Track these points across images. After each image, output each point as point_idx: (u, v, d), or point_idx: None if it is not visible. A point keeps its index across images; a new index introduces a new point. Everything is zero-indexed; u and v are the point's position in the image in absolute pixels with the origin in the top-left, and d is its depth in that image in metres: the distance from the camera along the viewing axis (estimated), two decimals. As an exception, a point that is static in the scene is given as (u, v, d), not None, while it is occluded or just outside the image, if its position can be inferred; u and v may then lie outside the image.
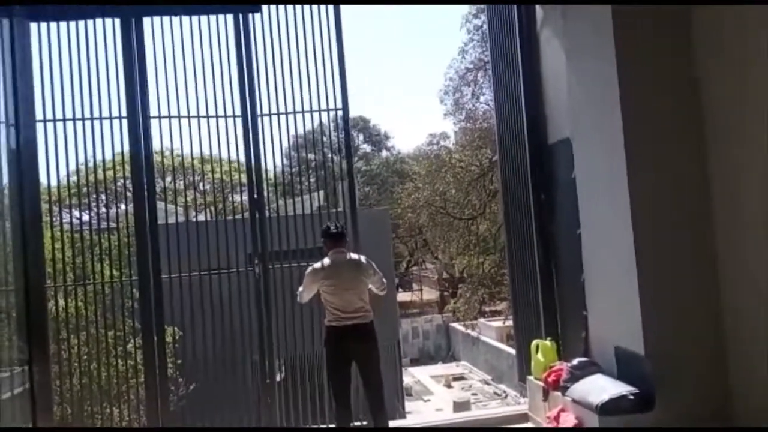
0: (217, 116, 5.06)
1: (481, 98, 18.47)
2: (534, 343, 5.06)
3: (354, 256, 4.41)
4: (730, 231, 3.88)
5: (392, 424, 5.43)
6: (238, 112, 5.06)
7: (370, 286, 4.34)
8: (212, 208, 5.70)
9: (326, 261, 4.29)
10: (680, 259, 3.99)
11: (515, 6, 5.38)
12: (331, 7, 5.18)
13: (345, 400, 4.28)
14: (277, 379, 5.33)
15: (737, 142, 3.77)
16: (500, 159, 6.03)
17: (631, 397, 3.79)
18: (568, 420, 4.11)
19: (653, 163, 4.00)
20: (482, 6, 5.78)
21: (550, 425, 4.25)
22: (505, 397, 15.82)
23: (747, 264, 3.75)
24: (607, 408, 3.77)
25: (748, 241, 3.73)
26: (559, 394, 4.36)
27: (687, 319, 3.94)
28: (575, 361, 4.44)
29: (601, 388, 3.96)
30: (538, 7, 5.25)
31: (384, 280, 4.41)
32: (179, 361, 6.45)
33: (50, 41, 4.82)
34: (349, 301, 4.19)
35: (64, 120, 4.83)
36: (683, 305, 3.95)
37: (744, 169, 3.73)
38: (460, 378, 20.43)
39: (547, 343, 4.99)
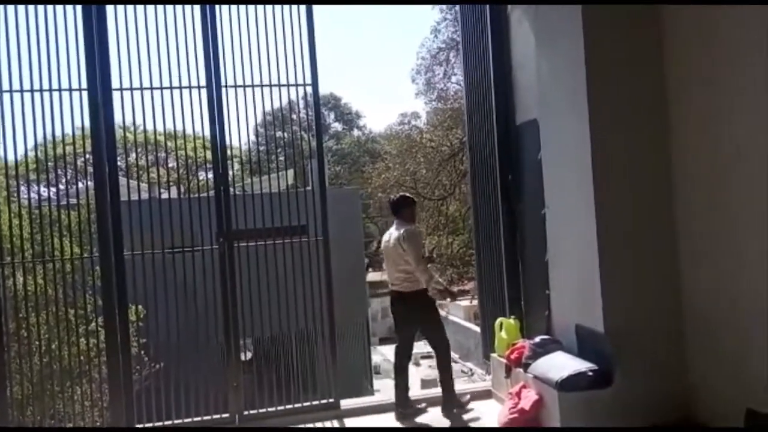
0: (181, 87, 4.91)
1: (453, 78, 18.49)
2: (498, 321, 5.14)
3: (400, 230, 4.83)
4: (689, 212, 3.98)
5: (360, 401, 5.50)
6: (203, 82, 4.93)
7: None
8: (178, 185, 5.58)
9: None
10: (641, 239, 4.08)
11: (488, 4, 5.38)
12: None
13: (399, 352, 4.94)
14: (243, 359, 5.31)
15: (699, 127, 3.85)
16: (469, 139, 6.05)
17: (590, 373, 3.90)
18: (529, 396, 4.20)
19: (617, 145, 4.07)
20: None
21: (511, 401, 4.34)
22: (471, 374, 16.08)
23: (705, 244, 3.86)
24: (567, 384, 3.87)
25: (706, 221, 3.84)
26: (521, 371, 4.45)
27: (646, 298, 4.05)
28: (537, 339, 4.54)
29: (562, 365, 4.06)
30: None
31: (414, 257, 4.71)
32: (143, 341, 6.37)
33: (6, 9, 4.61)
34: (388, 270, 4.92)
35: (21, 91, 4.65)
36: (642, 284, 4.06)
37: (704, 152, 3.82)
38: (428, 356, 20.63)
39: (511, 321, 5.08)
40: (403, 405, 4.84)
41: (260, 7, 5.05)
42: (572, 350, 4.29)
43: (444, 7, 17.45)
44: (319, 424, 4.89)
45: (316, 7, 5.13)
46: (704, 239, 3.87)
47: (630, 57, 4.10)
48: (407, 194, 5.18)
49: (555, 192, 4.63)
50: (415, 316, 4.84)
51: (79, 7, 4.69)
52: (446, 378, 4.84)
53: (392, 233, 4.90)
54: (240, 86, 5.02)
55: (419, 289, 4.76)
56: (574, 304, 4.42)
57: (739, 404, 3.46)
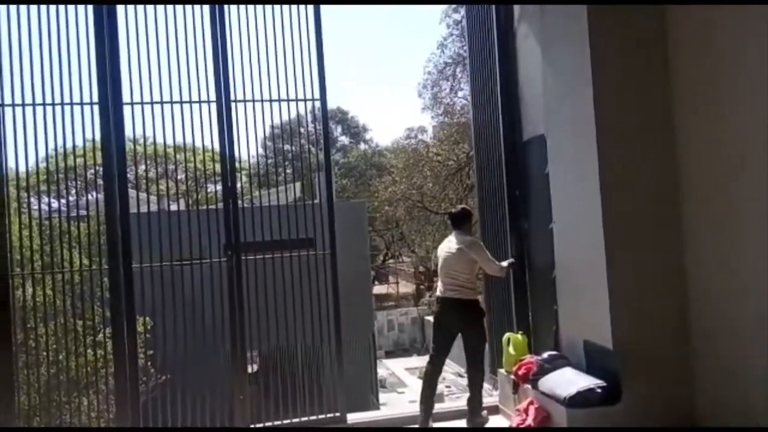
0: (191, 101, 4.96)
1: (459, 93, 18.54)
2: (505, 336, 5.12)
3: (463, 239, 4.99)
4: (697, 228, 3.96)
5: (366, 415, 5.48)
6: (212, 97, 4.98)
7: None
8: (186, 198, 5.61)
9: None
10: (649, 255, 4.07)
11: (493, 4, 5.41)
12: (310, -2, 5.14)
13: (432, 357, 5.03)
14: (250, 371, 5.30)
15: (708, 141, 3.84)
16: (476, 154, 6.06)
17: (599, 390, 3.87)
18: (537, 412, 4.17)
19: (625, 160, 4.06)
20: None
21: (519, 417, 4.31)
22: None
23: (714, 259, 3.84)
24: (575, 401, 3.84)
25: (714, 235, 3.82)
26: (529, 386, 4.42)
27: (655, 315, 4.03)
28: (545, 355, 4.51)
29: (570, 381, 4.03)
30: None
31: (486, 259, 4.96)
32: (150, 352, 6.37)
33: (20, 23, 4.69)
34: (444, 279, 4.99)
35: (34, 104, 4.71)
36: (651, 301, 4.04)
37: (713, 168, 3.81)
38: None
39: (518, 336, 5.06)
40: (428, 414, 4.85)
41: (270, 22, 5.11)
42: (580, 366, 4.27)
43: (451, 22, 17.57)
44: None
45: (323, 21, 5.18)
46: (712, 254, 3.85)
47: (636, 70, 4.11)
48: (467, 207, 5.32)
49: (562, 207, 4.62)
50: (466, 324, 4.88)
51: (91, 24, 4.76)
52: (477, 393, 4.89)
53: (453, 243, 4.99)
54: (249, 101, 5.07)
55: (475, 299, 4.92)
56: (582, 320, 4.39)
57: (747, 420, 3.42)
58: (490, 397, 5.40)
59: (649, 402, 3.89)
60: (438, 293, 5.07)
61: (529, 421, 4.16)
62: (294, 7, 5.13)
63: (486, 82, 5.69)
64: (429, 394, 4.89)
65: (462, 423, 4.89)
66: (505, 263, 5.16)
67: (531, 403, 4.33)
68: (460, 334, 4.94)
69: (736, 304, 3.62)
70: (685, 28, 3.95)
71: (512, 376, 4.76)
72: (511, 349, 4.98)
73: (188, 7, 4.95)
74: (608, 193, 4.00)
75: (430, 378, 4.96)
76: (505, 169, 5.41)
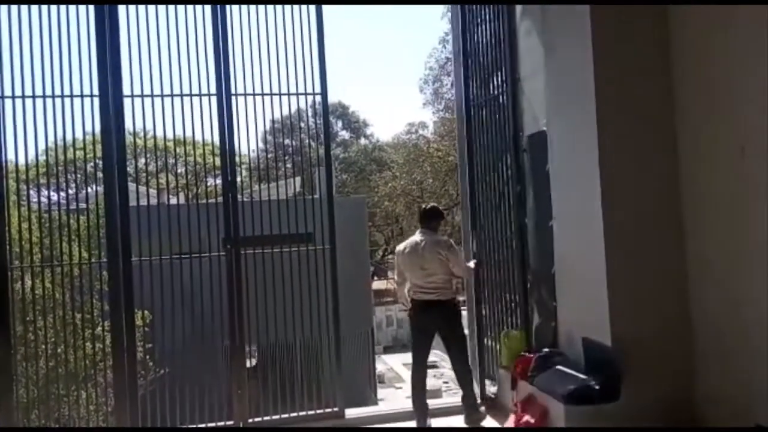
0: (191, 95, 4.95)
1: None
2: (503, 332, 5.12)
3: (433, 238, 4.87)
4: (699, 224, 3.96)
5: (365, 410, 5.49)
6: (213, 90, 4.97)
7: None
8: (186, 192, 5.61)
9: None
10: (648, 250, 4.06)
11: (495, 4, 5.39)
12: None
13: (421, 362, 4.89)
14: (249, 365, 5.31)
15: (710, 137, 3.84)
16: (467, 151, 5.98)
17: (597, 386, 3.86)
18: (535, 409, 4.17)
19: (626, 157, 4.06)
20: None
21: (517, 413, 4.31)
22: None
23: (714, 258, 3.84)
24: (573, 397, 3.84)
25: (716, 236, 3.82)
26: (527, 383, 4.43)
27: (654, 310, 4.02)
28: (543, 351, 4.51)
29: (568, 377, 4.04)
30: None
31: (459, 260, 4.94)
32: (149, 345, 6.38)
33: (20, 14, 4.67)
34: (417, 280, 4.82)
35: (34, 96, 4.70)
36: (651, 298, 4.03)
37: (714, 165, 3.81)
38: (432, 366, 20.53)
39: (516, 333, 5.06)
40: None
41: (271, 16, 5.09)
42: (578, 363, 4.26)
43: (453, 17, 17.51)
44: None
45: (325, 14, 5.17)
46: (713, 250, 3.85)
47: (638, 66, 4.10)
48: (437, 205, 5.23)
49: (562, 204, 4.61)
50: (449, 325, 4.81)
51: (92, 16, 4.74)
52: (470, 390, 4.84)
53: (424, 243, 4.81)
54: (250, 95, 5.05)
55: (453, 298, 4.82)
56: (581, 317, 4.39)
57: (749, 418, 3.43)
58: (486, 392, 5.41)
59: (648, 399, 3.89)
60: (412, 296, 4.87)
61: (527, 418, 4.17)
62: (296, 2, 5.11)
63: (486, 78, 5.65)
64: (423, 398, 4.81)
65: (460, 419, 4.89)
66: (471, 264, 5.12)
67: (529, 399, 4.34)
68: (439, 336, 4.84)
69: (739, 297, 3.61)
70: (688, 27, 3.94)
71: (510, 372, 4.76)
72: (508, 346, 4.98)
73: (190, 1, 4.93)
74: (609, 189, 4.00)
75: (422, 384, 4.86)
76: (508, 166, 5.38)
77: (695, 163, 3.95)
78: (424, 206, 5.10)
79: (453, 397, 5.49)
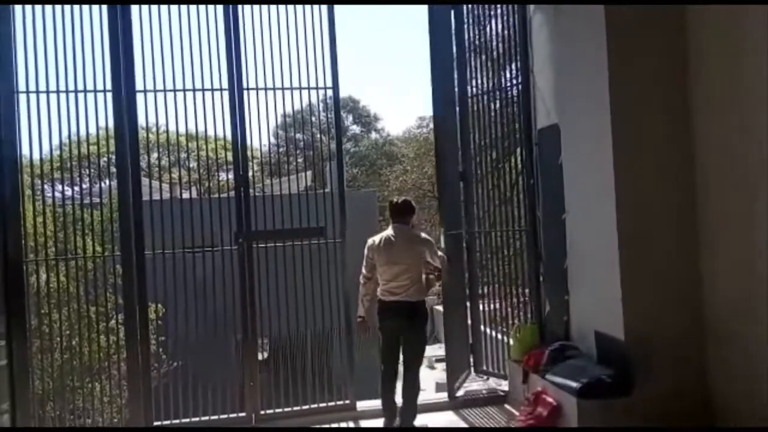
0: (203, 89, 4.97)
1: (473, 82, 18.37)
2: (515, 326, 5.11)
3: (409, 232, 4.68)
4: (713, 219, 3.92)
5: (376, 402, 5.49)
6: (225, 85, 4.98)
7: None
8: (198, 186, 5.64)
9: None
10: (663, 245, 4.04)
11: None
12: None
13: (391, 372, 4.65)
14: (260, 358, 5.34)
15: (726, 132, 3.80)
16: (462, 144, 5.95)
17: (609, 381, 3.85)
18: (547, 403, 4.16)
19: (639, 150, 4.04)
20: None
21: (528, 407, 4.30)
22: (487, 379, 16.00)
23: (730, 252, 3.81)
24: (586, 391, 3.83)
25: (730, 229, 3.78)
26: (539, 376, 4.42)
27: (667, 304, 4.00)
28: (555, 345, 4.50)
29: (580, 371, 4.02)
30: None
31: (436, 254, 4.71)
32: (162, 338, 6.43)
33: (34, 11, 4.70)
34: (390, 278, 4.53)
35: (48, 92, 4.74)
36: (664, 290, 4.02)
37: (730, 159, 3.77)
38: (442, 360, 20.58)
39: (528, 326, 5.05)
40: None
41: (282, 10, 5.09)
42: (591, 356, 4.25)
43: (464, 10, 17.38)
44: (334, 425, 4.90)
45: (336, 9, 5.15)
46: (727, 245, 3.81)
47: (653, 58, 4.07)
48: (409, 199, 4.93)
49: (575, 197, 4.59)
50: (411, 329, 4.54)
51: (105, 11, 4.76)
52: (416, 395, 4.58)
53: (400, 239, 4.56)
54: (262, 89, 5.06)
55: (423, 300, 4.58)
56: (594, 310, 4.37)
57: (762, 414, 3.40)
58: (498, 387, 5.41)
59: (661, 394, 3.87)
60: (381, 297, 4.57)
61: (539, 410, 4.16)
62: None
63: (498, 70, 5.62)
64: (393, 401, 4.59)
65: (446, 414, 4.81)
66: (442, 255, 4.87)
67: (541, 393, 4.33)
68: (401, 339, 4.55)
69: (753, 293, 3.58)
70: (706, 21, 3.90)
71: (522, 366, 4.75)
72: (520, 339, 4.97)
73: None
74: (622, 182, 3.97)
75: (393, 393, 4.59)
76: (519, 158, 5.36)
77: (712, 157, 3.91)
78: (395, 200, 4.82)
79: (463, 390, 5.47)
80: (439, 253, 4.84)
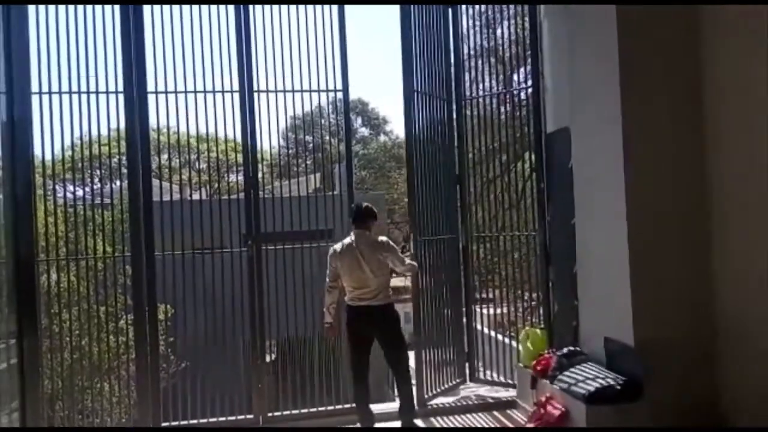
0: (214, 91, 5.00)
1: (481, 85, 18.33)
2: (524, 331, 5.08)
3: (373, 238, 4.53)
4: (724, 226, 3.89)
5: (383, 406, 5.48)
6: (235, 87, 5.00)
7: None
8: (208, 188, 5.66)
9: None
10: (673, 252, 4.01)
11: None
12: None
13: (362, 376, 4.56)
14: (268, 359, 5.34)
15: (737, 136, 3.76)
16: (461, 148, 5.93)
17: (619, 387, 3.82)
18: (556, 408, 4.14)
19: (651, 154, 4.00)
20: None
21: (537, 413, 4.28)
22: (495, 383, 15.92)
23: (739, 259, 3.77)
24: (595, 397, 3.80)
25: (741, 236, 3.75)
26: (547, 382, 4.39)
27: (677, 312, 3.97)
28: (564, 350, 4.47)
29: (589, 377, 3.99)
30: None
31: (400, 258, 4.60)
32: (171, 339, 6.46)
33: (47, 12, 4.74)
34: (358, 284, 4.45)
35: (60, 93, 4.77)
36: (674, 298, 3.98)
37: (742, 164, 3.73)
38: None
39: (537, 331, 5.03)
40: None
41: (293, 13, 5.11)
42: (600, 362, 4.22)
43: (473, 13, 17.38)
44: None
45: (346, 10, 5.16)
46: (738, 250, 3.78)
47: (666, 63, 4.04)
48: (370, 204, 4.71)
49: (586, 202, 4.57)
50: (388, 330, 4.48)
51: (117, 13, 4.79)
52: (411, 400, 4.58)
53: (359, 242, 4.45)
54: (272, 91, 5.08)
55: (391, 302, 4.50)
56: (603, 316, 4.35)
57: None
58: (506, 392, 5.38)
59: (670, 399, 3.84)
60: (348, 303, 4.49)
61: (548, 417, 4.13)
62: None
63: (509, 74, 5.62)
64: (367, 407, 4.57)
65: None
66: (412, 262, 4.81)
67: (549, 398, 4.30)
68: (379, 343, 4.50)
69: (764, 301, 3.54)
70: (719, 22, 3.87)
71: (531, 372, 4.73)
72: (529, 345, 4.95)
73: (213, -3, 4.96)
74: (633, 187, 3.94)
75: (366, 400, 4.56)
76: (530, 162, 5.35)
77: (723, 161, 3.88)
78: (356, 205, 4.69)
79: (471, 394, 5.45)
80: (407, 260, 4.71)
